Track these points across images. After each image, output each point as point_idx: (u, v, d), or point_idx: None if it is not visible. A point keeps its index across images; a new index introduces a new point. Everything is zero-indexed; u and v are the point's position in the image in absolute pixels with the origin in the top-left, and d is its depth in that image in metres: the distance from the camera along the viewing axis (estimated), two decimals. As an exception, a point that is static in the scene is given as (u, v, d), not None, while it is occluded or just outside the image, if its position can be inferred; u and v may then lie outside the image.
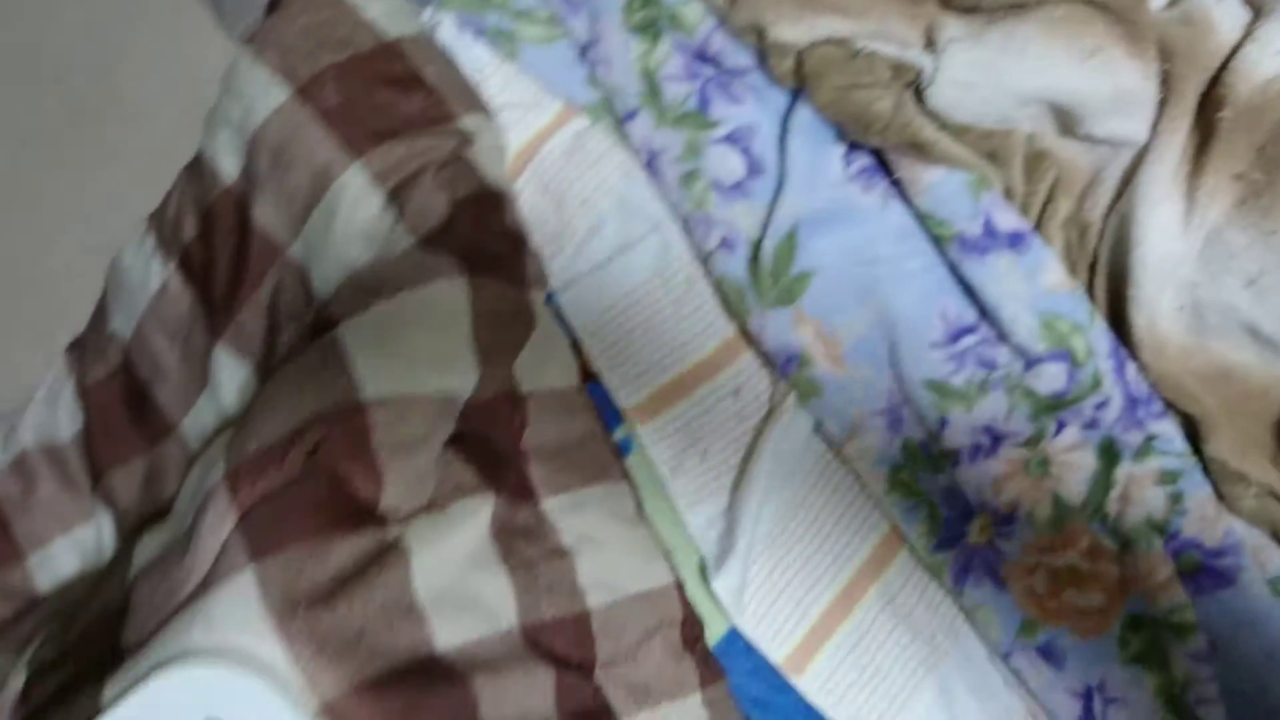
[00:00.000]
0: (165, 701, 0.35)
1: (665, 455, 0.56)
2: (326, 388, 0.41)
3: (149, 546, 0.43)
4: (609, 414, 0.56)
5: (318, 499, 0.39)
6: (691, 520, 0.56)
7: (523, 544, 0.45)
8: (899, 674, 0.55)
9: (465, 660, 0.39)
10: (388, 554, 0.39)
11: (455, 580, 0.40)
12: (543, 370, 0.52)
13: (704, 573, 0.55)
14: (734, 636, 0.56)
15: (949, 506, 0.53)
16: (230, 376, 0.51)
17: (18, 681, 0.42)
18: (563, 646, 0.45)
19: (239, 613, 0.36)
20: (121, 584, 0.42)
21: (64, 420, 0.56)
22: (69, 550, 0.54)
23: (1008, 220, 0.50)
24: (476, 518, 0.42)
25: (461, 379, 0.44)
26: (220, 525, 0.39)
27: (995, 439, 0.51)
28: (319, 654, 0.37)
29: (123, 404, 0.54)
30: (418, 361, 0.43)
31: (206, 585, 0.38)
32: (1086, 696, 0.52)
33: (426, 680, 0.38)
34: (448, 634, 0.39)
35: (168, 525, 0.44)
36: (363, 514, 0.40)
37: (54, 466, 0.55)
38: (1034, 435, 0.51)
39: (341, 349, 0.43)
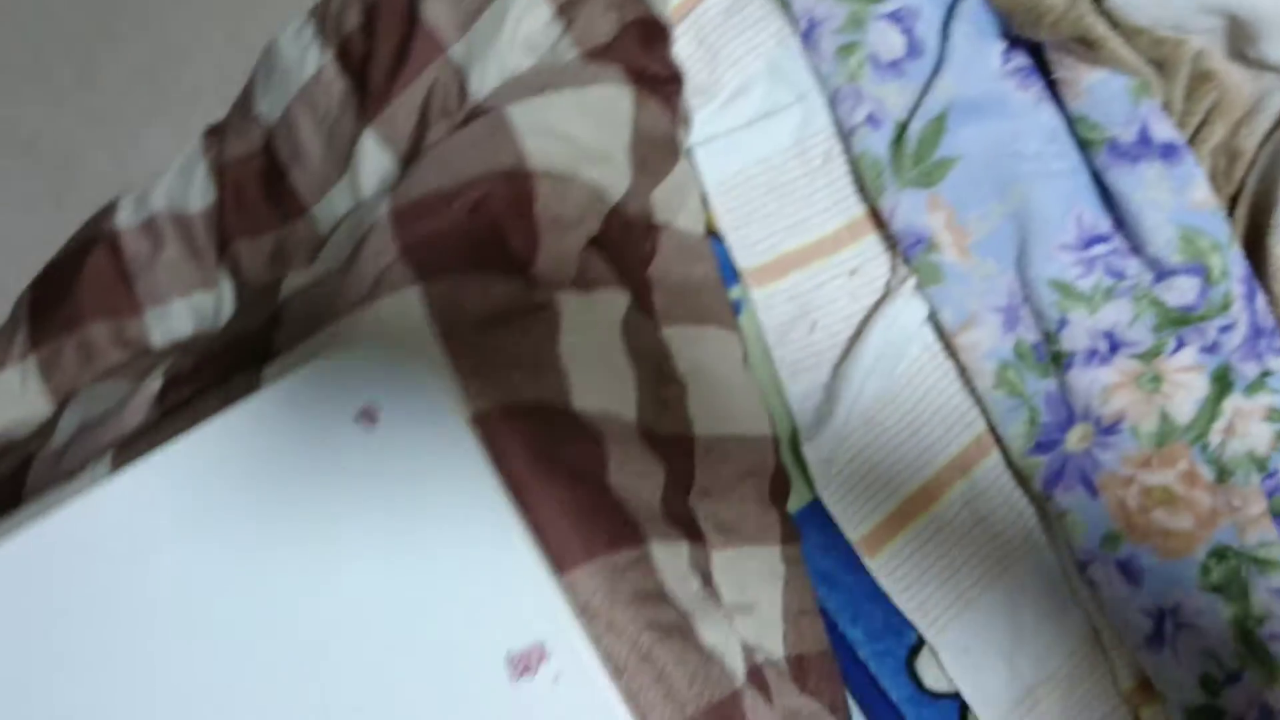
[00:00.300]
0: (327, 381, 0.35)
1: (774, 321, 0.57)
2: (494, 153, 0.42)
3: (297, 280, 0.44)
4: (725, 273, 0.57)
5: (480, 244, 0.40)
6: (790, 388, 0.56)
7: (645, 355, 0.45)
8: (970, 573, 0.55)
9: (597, 423, 0.40)
10: (539, 310, 0.40)
11: (592, 358, 0.41)
12: (675, 210, 0.52)
13: (794, 444, 0.56)
14: (811, 511, 0.56)
15: (1051, 412, 0.53)
16: (373, 163, 0.52)
17: (154, 385, 0.43)
18: (667, 461, 0.45)
19: (405, 318, 0.37)
20: (268, 308, 0.43)
21: (195, 194, 0.58)
22: (186, 312, 0.55)
23: (1164, 131, 0.50)
24: (615, 308, 0.43)
25: (616, 180, 0.45)
26: (383, 254, 0.40)
27: (1113, 346, 0.51)
28: (476, 370, 0.37)
29: (259, 182, 0.55)
30: (581, 149, 0.43)
31: (371, 297, 0.38)
32: (1159, 617, 0.52)
33: (567, 422, 0.39)
34: (582, 398, 0.40)
35: (317, 264, 0.45)
36: (518, 270, 0.40)
37: (181, 233, 0.56)
38: (1152, 349, 0.51)
39: (510, 124, 0.43)
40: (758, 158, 0.58)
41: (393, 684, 0.33)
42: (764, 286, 0.57)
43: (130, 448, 0.38)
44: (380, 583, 0.34)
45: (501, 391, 0.37)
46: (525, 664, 0.33)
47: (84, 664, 0.33)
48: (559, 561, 0.35)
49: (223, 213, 0.56)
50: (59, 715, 0.32)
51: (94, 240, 0.56)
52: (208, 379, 0.41)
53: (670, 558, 0.39)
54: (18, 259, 0.62)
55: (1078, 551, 0.53)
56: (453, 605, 0.34)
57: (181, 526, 0.34)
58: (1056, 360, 0.53)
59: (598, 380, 0.41)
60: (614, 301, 0.43)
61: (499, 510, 0.35)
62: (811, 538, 0.55)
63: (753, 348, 0.56)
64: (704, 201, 0.57)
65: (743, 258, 0.57)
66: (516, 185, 0.41)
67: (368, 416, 0.35)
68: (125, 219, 0.57)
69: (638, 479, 0.40)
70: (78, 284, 0.55)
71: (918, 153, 0.54)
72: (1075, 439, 0.53)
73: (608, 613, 0.35)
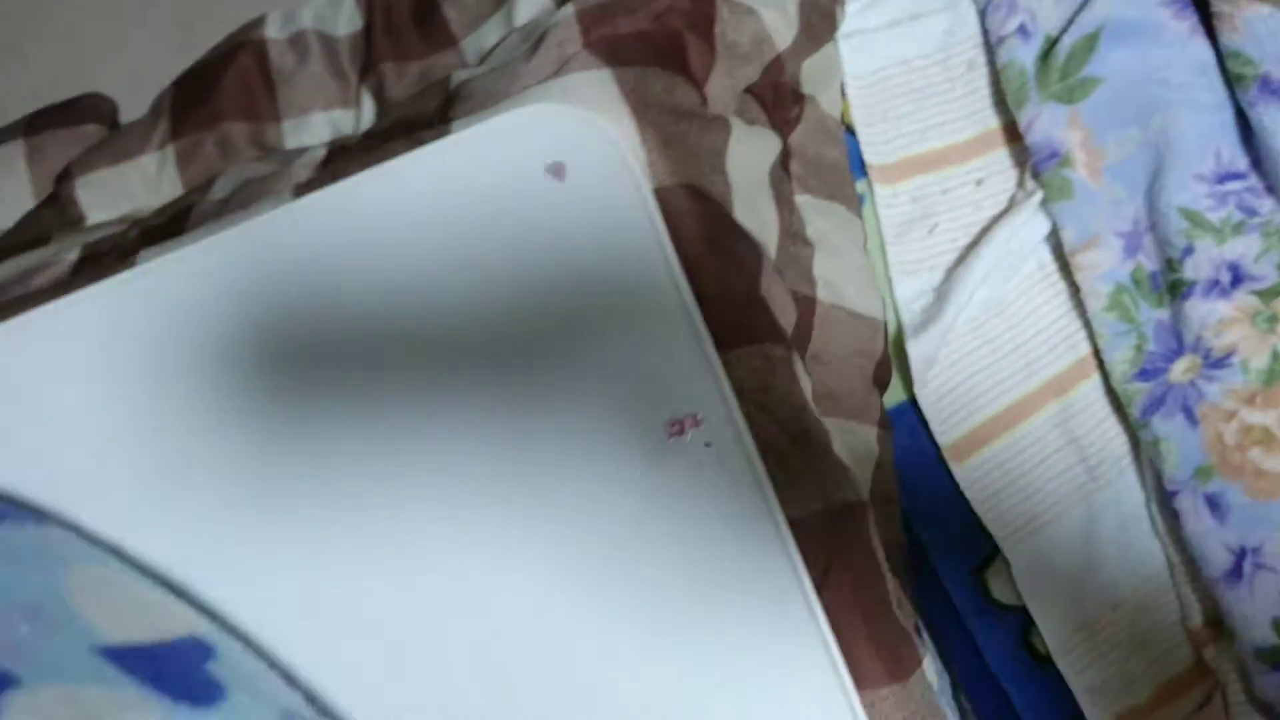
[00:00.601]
0: (520, 131, 0.36)
1: (893, 219, 0.57)
2: (675, -20, 0.43)
3: (468, 72, 0.44)
4: (852, 166, 0.57)
5: (663, 50, 0.40)
6: (900, 287, 0.56)
7: (784, 206, 0.46)
8: (1053, 492, 0.55)
9: (752, 239, 0.41)
10: (715, 120, 0.41)
11: (749, 184, 0.42)
12: (820, 89, 0.53)
13: (896, 343, 0.56)
14: (900, 413, 0.57)
15: (1159, 341, 0.54)
16: (532, 2, 0.52)
17: (318, 152, 0.44)
18: (790, 319, 0.46)
19: (596, 90, 0.38)
20: (438, 95, 0.43)
21: (343, 21, 0.58)
22: (325, 126, 0.56)
23: (1319, 72, 0.51)
24: (769, 150, 0.44)
25: (784, 30, 0.45)
26: (568, 44, 0.40)
27: (1235, 279, 0.52)
28: (664, 146, 0.38)
29: (410, 10, 0.56)
30: (757, -9, 0.44)
31: (560, 74, 0.39)
32: (1239, 555, 0.52)
33: (733, 224, 0.39)
34: (740, 214, 0.40)
35: (489, 62, 0.45)
36: (693, 82, 0.41)
37: (326, 51, 0.57)
38: (1273, 287, 0.51)
39: (703, -41, 0.44)
40: (900, 58, 0.58)
41: (553, 422, 0.34)
42: (888, 185, 0.57)
43: (311, 186, 0.38)
44: (551, 328, 0.35)
45: (683, 172, 0.38)
46: (680, 427, 0.34)
47: (273, 347, 0.34)
48: (720, 339, 0.36)
49: (370, 36, 0.56)
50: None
51: (241, 46, 0.57)
52: (378, 145, 0.41)
53: (805, 381, 0.40)
54: (146, 82, 0.63)
55: (1167, 481, 0.53)
56: (616, 362, 0.34)
57: (371, 249, 0.35)
58: (1173, 290, 0.53)
59: (750, 207, 0.41)
60: (769, 143, 0.44)
61: (673, 280, 0.35)
62: (898, 440, 0.56)
63: (869, 244, 0.56)
64: (842, 93, 0.57)
65: (871, 154, 0.57)
66: (699, 3, 0.42)
67: (557, 171, 0.36)
68: (273, 31, 0.58)
69: (780, 308, 0.41)
70: (221, 85, 0.56)
71: (1065, 68, 0.54)
72: (1180, 370, 0.53)
73: (762, 396, 0.36)
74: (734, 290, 0.37)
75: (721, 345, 0.36)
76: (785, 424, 0.36)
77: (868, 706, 0.34)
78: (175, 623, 0.30)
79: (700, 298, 0.36)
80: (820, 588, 0.34)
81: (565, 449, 0.34)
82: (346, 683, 0.33)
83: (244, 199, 0.41)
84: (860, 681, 0.34)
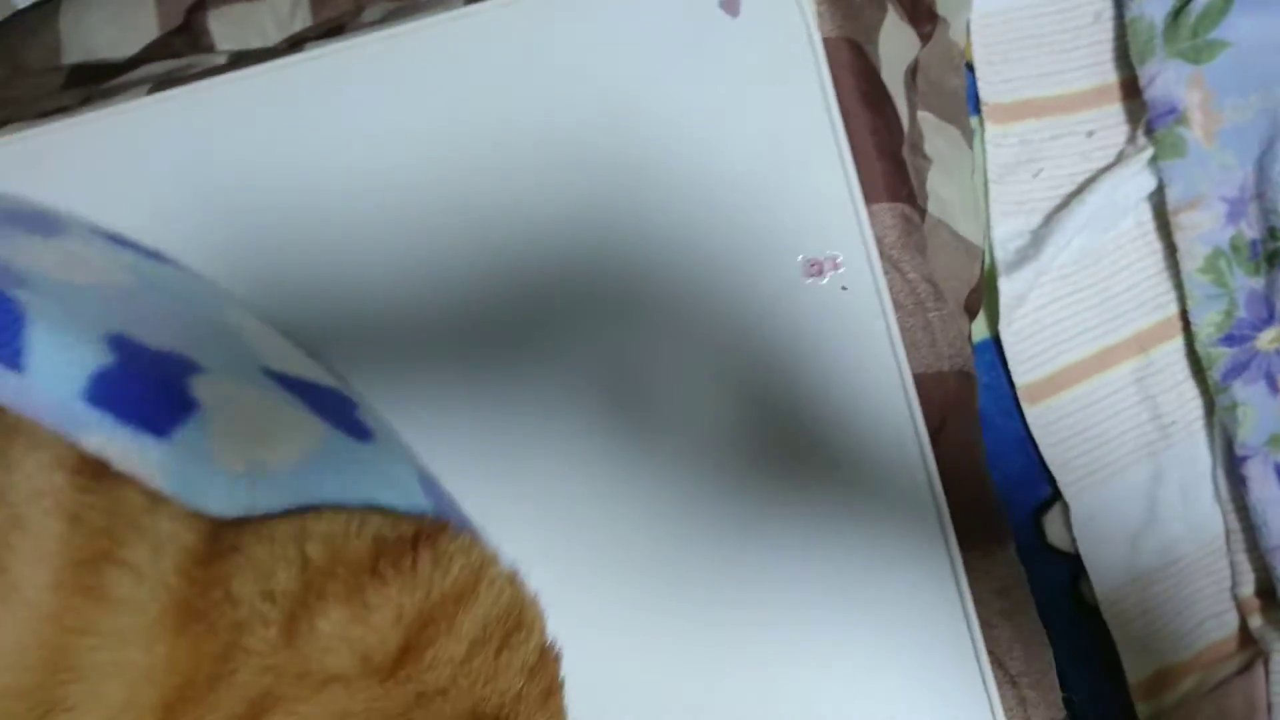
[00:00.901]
0: None
1: (1000, 159, 0.58)
2: None
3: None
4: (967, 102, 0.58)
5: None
6: (998, 226, 0.57)
7: (912, 115, 0.47)
8: (1121, 446, 0.56)
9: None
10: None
11: (890, 70, 0.42)
12: (952, 14, 0.53)
13: (988, 279, 0.57)
14: (982, 349, 0.57)
15: (1249, 309, 0.54)
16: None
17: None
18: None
19: None
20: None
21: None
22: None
23: None
24: (913, 45, 0.44)
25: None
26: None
27: (1338, 252, 0.52)
28: (832, 1, 0.39)
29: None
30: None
31: None
32: (1304, 526, 0.52)
33: (885, 88, 0.40)
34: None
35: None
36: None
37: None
38: (1375, 265, 0.52)
39: None
40: (1028, 1, 0.59)
41: (697, 242, 0.35)
42: (1000, 125, 0.58)
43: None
44: (704, 151, 0.35)
45: (849, 28, 0.38)
46: (819, 268, 0.35)
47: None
48: (865, 191, 0.37)
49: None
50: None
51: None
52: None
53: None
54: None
55: (1239, 446, 0.53)
56: (764, 194, 0.35)
57: (541, 62, 0.35)
58: (1271, 259, 0.54)
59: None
60: (911, 41, 0.44)
61: (830, 124, 0.36)
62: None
63: (973, 178, 0.57)
64: (967, 30, 0.58)
65: (987, 92, 0.58)
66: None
67: (730, 6, 0.37)
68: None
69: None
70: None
71: (1195, 27, 0.55)
72: (1268, 339, 0.54)
73: (898, 254, 0.37)
74: (883, 147, 0.38)
75: (869, 198, 0.37)
76: (914, 285, 0.37)
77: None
78: (324, 375, 0.31)
79: (851, 147, 0.37)
80: (933, 443, 0.35)
81: (705, 274, 0.35)
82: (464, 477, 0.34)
83: (406, 13, 0.42)
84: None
